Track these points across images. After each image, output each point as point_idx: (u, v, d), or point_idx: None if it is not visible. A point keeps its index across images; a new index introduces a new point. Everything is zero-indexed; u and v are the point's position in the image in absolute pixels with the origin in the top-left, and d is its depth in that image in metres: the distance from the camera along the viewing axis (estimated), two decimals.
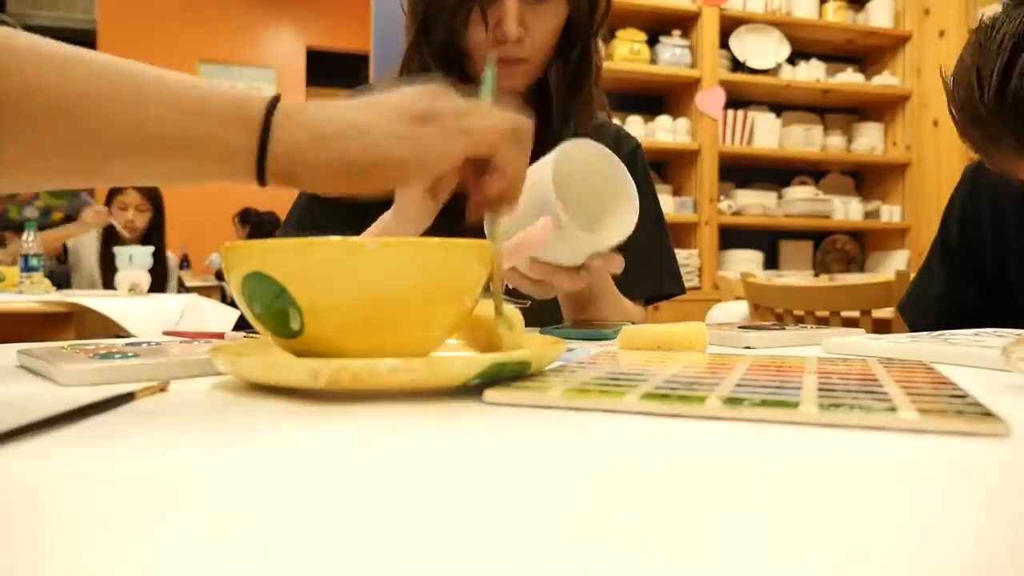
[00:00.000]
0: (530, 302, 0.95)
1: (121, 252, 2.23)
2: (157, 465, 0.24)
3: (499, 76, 0.81)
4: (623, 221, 0.67)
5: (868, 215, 3.38)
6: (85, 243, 2.70)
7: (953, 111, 0.73)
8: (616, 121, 1.02)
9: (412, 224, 0.72)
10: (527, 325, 0.76)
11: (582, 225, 0.63)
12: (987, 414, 0.29)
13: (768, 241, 3.42)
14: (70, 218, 2.70)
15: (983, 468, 0.24)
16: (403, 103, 0.42)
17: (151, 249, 2.29)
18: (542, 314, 0.92)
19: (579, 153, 0.65)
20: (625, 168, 0.68)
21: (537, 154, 0.57)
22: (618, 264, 0.67)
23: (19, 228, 2.40)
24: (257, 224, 4.67)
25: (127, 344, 0.51)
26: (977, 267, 0.96)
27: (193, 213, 4.99)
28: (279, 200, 5.10)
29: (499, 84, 0.77)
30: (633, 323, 0.89)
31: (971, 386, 0.35)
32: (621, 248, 0.75)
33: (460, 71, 0.87)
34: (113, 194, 2.71)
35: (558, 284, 0.66)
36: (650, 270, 0.97)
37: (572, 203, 0.63)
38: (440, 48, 0.86)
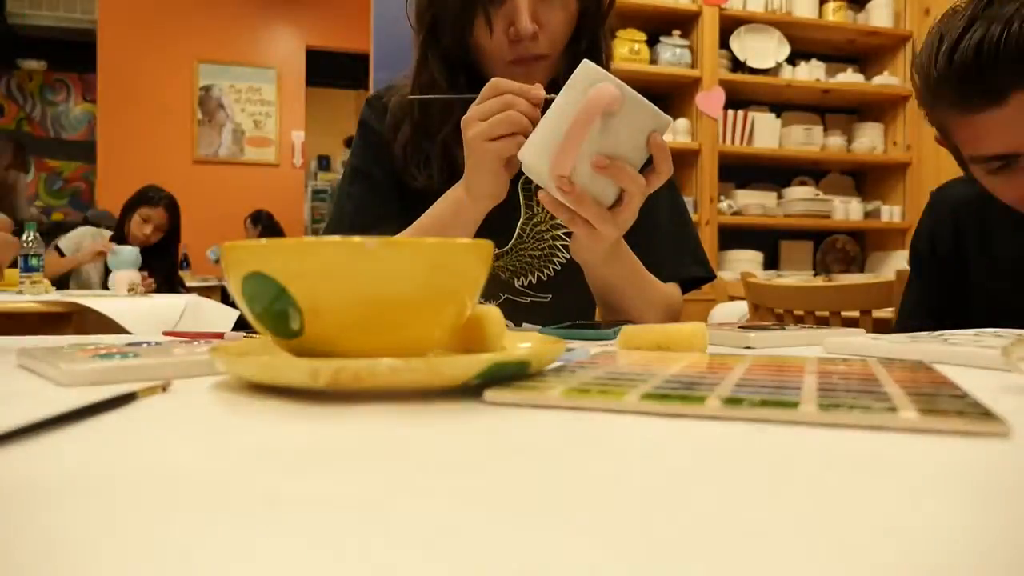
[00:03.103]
0: (550, 296, 0.95)
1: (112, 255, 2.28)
2: (157, 465, 0.24)
3: (519, 76, 0.83)
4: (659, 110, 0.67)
5: (868, 215, 3.38)
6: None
7: (913, 74, 0.83)
8: None
9: (489, 199, 0.77)
10: (544, 321, 0.76)
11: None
12: (987, 414, 0.29)
13: (768, 241, 3.42)
14: (71, 226, 2.71)
15: (983, 468, 0.24)
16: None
17: (135, 249, 2.34)
18: (560, 312, 0.92)
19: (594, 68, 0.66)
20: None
21: None
22: (666, 150, 0.66)
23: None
24: (268, 226, 4.68)
25: (127, 344, 0.51)
26: (945, 270, 1.03)
27: (195, 214, 4.99)
28: (277, 202, 5.11)
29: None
30: (672, 307, 0.89)
31: (971, 386, 0.35)
32: (642, 234, 0.75)
33: (470, 78, 0.87)
34: (141, 202, 2.69)
35: (623, 178, 0.65)
36: (674, 255, 0.96)
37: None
38: (449, 56, 0.86)
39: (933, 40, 0.79)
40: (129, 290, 2.15)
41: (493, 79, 0.73)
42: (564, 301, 0.96)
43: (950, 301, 1.02)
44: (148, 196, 2.72)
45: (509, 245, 0.93)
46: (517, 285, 0.95)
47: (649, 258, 0.86)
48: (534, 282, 0.95)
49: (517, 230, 0.93)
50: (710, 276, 1.00)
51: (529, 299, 0.95)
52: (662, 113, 0.65)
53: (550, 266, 0.95)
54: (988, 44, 0.72)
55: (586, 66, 0.64)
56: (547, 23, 0.82)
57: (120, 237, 2.65)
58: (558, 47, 0.84)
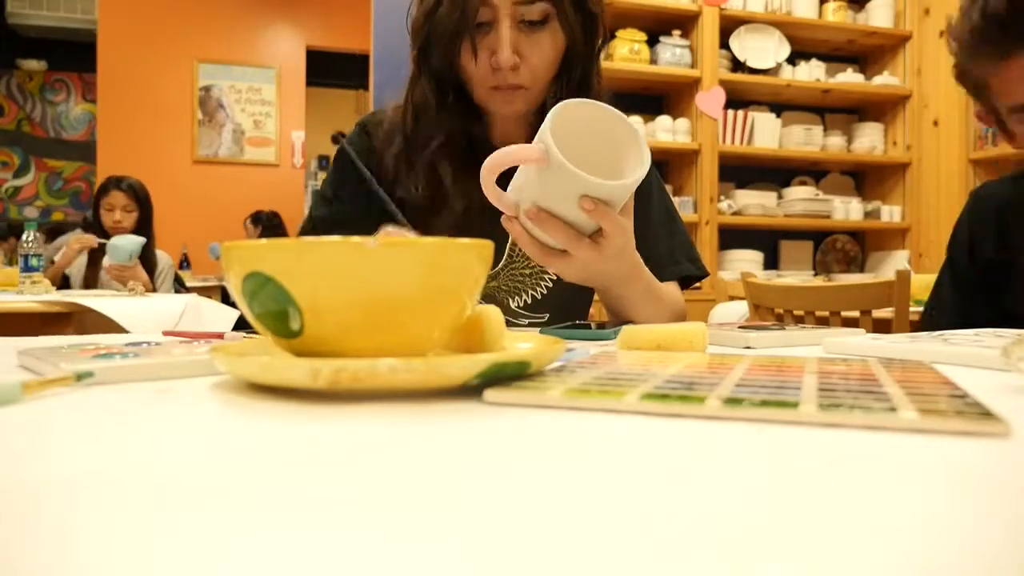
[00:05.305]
0: (546, 315, 0.96)
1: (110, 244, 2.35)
2: (156, 465, 0.24)
3: (498, 102, 0.85)
4: (626, 169, 0.67)
5: (868, 215, 3.39)
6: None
7: (949, 40, 0.86)
8: None
9: None
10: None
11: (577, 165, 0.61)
12: (987, 414, 0.29)
13: (768, 241, 3.42)
14: (71, 226, 2.72)
15: (983, 468, 0.24)
16: None
17: (140, 240, 2.35)
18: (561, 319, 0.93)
19: (575, 108, 0.65)
20: (624, 117, 0.69)
21: None
22: (602, 215, 0.64)
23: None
24: (269, 227, 4.67)
25: (127, 344, 0.51)
26: (985, 280, 0.98)
27: (195, 214, 4.99)
28: (277, 202, 5.11)
29: (500, 109, 0.84)
30: (679, 311, 0.90)
31: (971, 386, 0.35)
32: (636, 237, 0.75)
33: (459, 98, 0.89)
34: (100, 195, 2.73)
35: (554, 234, 0.65)
36: (668, 255, 0.98)
37: (574, 157, 0.61)
38: (439, 73, 0.88)
39: (965, 2, 0.82)
40: (129, 289, 2.16)
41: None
42: (559, 320, 0.97)
43: (991, 312, 0.95)
44: (103, 188, 2.75)
45: (501, 264, 0.96)
46: (513, 306, 0.97)
47: (646, 260, 0.87)
48: (529, 302, 0.97)
49: (507, 250, 0.96)
50: (704, 274, 1.01)
51: (527, 320, 0.98)
52: (592, 179, 0.61)
53: (542, 283, 0.97)
54: None
55: (545, 120, 0.63)
56: (529, 56, 0.83)
57: (102, 236, 2.66)
58: (539, 80, 0.86)
